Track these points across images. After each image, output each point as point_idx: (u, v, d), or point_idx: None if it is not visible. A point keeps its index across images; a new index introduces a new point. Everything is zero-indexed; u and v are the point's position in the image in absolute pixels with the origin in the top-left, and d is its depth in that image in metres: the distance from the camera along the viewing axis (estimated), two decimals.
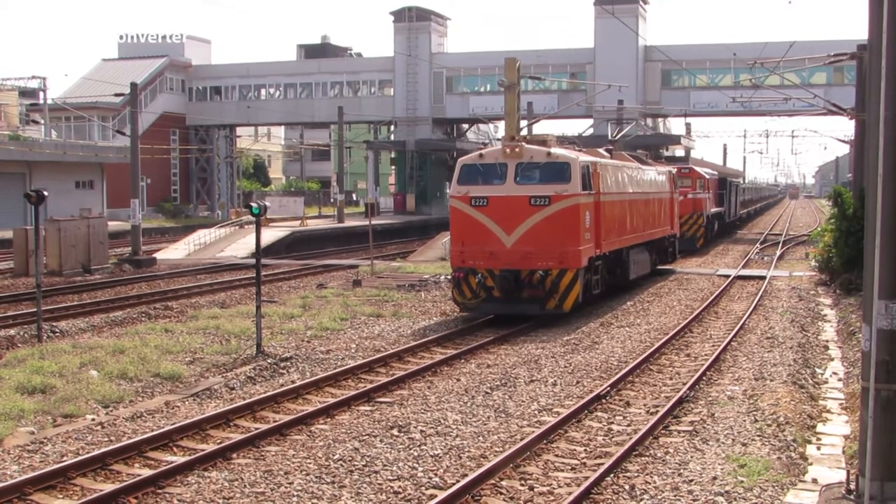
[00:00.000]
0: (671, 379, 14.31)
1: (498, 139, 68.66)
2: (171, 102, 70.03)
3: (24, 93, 65.21)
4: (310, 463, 10.00)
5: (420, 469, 9.78)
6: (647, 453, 10.32)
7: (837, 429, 11.45)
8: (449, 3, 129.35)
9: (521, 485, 9.39)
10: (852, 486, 8.27)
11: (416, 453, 10.31)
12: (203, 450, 10.44)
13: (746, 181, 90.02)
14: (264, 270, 25.78)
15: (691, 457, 10.11)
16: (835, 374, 14.75)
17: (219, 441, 10.94)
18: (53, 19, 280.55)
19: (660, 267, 29.47)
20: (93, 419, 11.98)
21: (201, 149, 72.01)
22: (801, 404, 12.32)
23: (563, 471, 9.88)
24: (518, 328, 18.76)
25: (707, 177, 42.60)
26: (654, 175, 28.16)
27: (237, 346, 16.77)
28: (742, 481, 9.15)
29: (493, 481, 9.37)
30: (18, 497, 8.95)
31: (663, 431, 11.22)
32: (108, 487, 9.19)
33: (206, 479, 9.52)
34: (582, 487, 8.98)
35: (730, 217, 52.04)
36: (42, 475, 9.37)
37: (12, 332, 18.54)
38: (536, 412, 12.18)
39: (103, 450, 10.23)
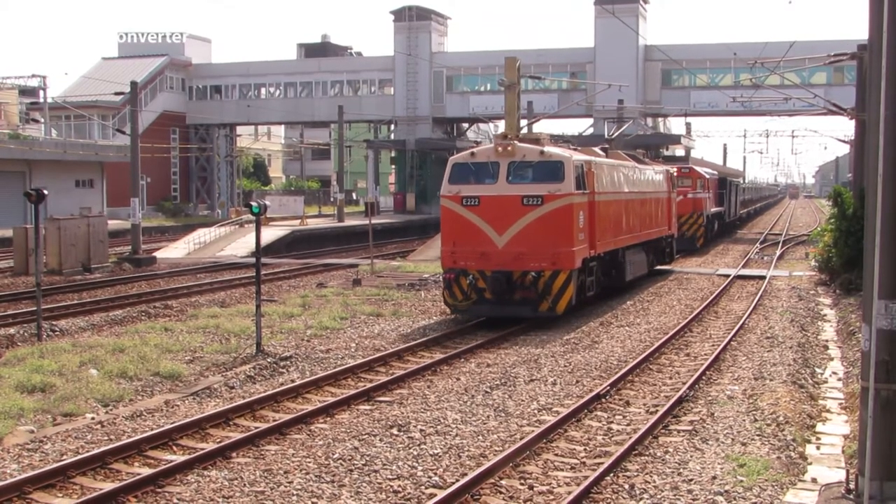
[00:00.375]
0: (671, 378, 14.31)
1: None
2: (172, 101, 70.03)
3: (24, 91, 65.18)
4: (309, 462, 10.00)
5: (420, 468, 9.79)
6: (647, 453, 10.32)
7: (837, 428, 11.45)
8: (449, 2, 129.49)
9: (521, 484, 9.39)
10: (852, 486, 8.27)
11: (415, 452, 10.32)
12: (203, 449, 10.44)
13: (746, 181, 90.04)
14: (264, 269, 25.77)
15: (691, 456, 10.11)
16: (834, 373, 14.75)
17: (218, 440, 10.94)
18: (53, 18, 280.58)
19: (657, 267, 29.33)
20: (92, 418, 11.98)
21: (201, 148, 72.01)
22: (800, 404, 12.32)
23: (562, 470, 9.88)
24: (517, 327, 18.76)
25: (707, 176, 42.61)
26: (651, 174, 27.81)
27: (237, 345, 16.78)
28: (741, 481, 9.15)
29: (492, 480, 9.37)
30: (18, 496, 8.95)
31: (663, 431, 11.23)
32: (108, 486, 9.19)
33: (206, 477, 9.53)
34: (581, 487, 8.98)
35: (730, 217, 52.06)
36: (42, 474, 9.37)
37: (12, 330, 18.54)
38: (536, 411, 12.18)
39: (103, 448, 10.24)
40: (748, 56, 36.19)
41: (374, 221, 33.95)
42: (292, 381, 14.06)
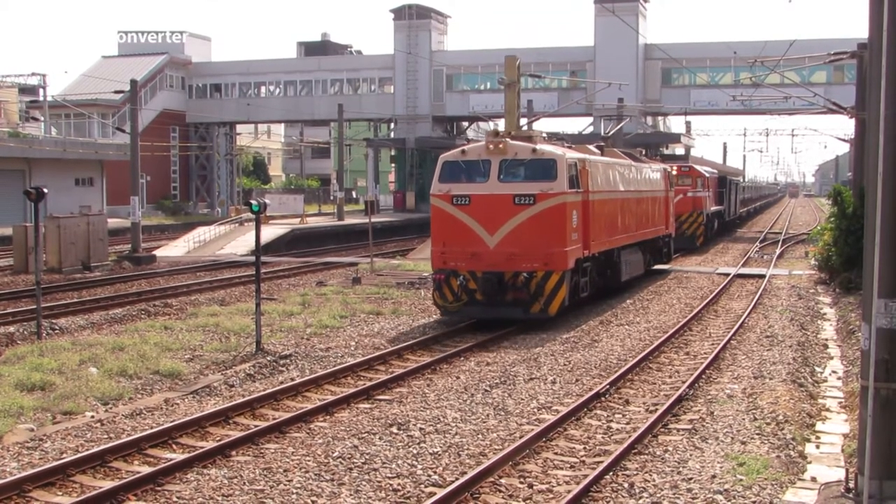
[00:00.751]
0: (670, 377, 14.32)
1: None
2: (171, 100, 70.00)
3: (24, 90, 65.17)
4: (309, 460, 10.00)
5: (419, 467, 9.79)
6: (647, 451, 10.32)
7: (836, 427, 11.45)
8: (449, 0, 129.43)
9: (521, 483, 9.39)
10: (851, 485, 8.27)
11: (415, 451, 10.32)
12: (202, 447, 10.44)
13: (746, 180, 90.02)
14: (264, 268, 25.77)
15: (690, 455, 10.11)
16: (834, 372, 14.75)
17: (218, 438, 10.94)
18: (53, 16, 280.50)
19: (654, 267, 29.07)
20: (92, 416, 11.98)
21: (201, 146, 72.01)
22: (800, 403, 12.33)
23: (562, 469, 9.88)
24: (517, 326, 18.73)
25: (707, 175, 42.62)
26: (648, 172, 27.42)
27: (237, 344, 16.77)
28: (741, 479, 9.15)
29: (492, 479, 9.37)
30: (18, 494, 8.95)
31: (662, 430, 11.23)
32: (108, 485, 9.19)
33: (206, 476, 9.53)
34: (581, 485, 8.98)
35: (729, 215, 52.07)
36: (41, 472, 9.37)
37: (12, 329, 18.53)
38: (536, 410, 12.18)
39: (102, 447, 10.24)
40: (748, 55, 36.20)
41: (373, 220, 33.95)
42: (292, 379, 14.06)
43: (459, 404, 12.44)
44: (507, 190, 18.66)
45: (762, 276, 27.99)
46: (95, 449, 10.19)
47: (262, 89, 70.71)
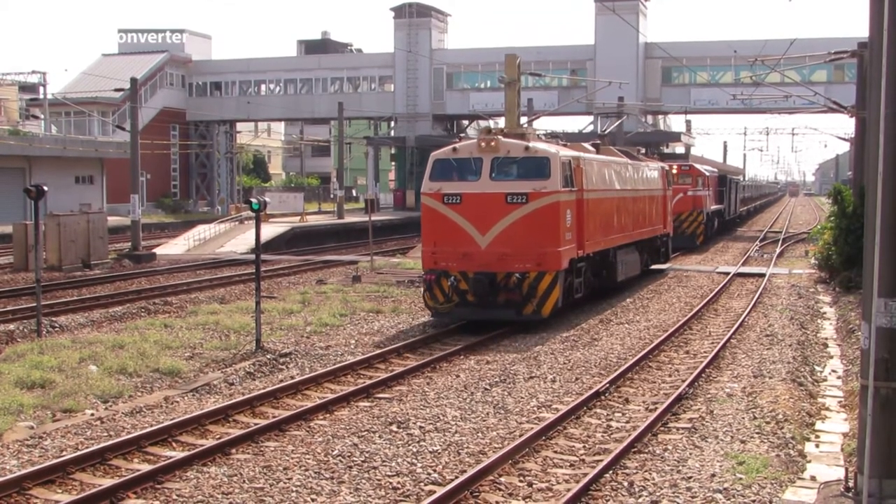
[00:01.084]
0: (670, 376, 14.32)
1: None
2: (171, 98, 70.02)
3: (24, 88, 65.20)
4: (309, 458, 10.01)
5: (419, 465, 9.79)
6: (646, 450, 10.32)
7: (836, 426, 11.45)
8: None
9: (520, 481, 9.40)
10: (851, 484, 8.27)
11: (415, 449, 10.32)
12: (202, 445, 10.44)
13: (746, 178, 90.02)
14: (264, 266, 25.76)
15: (690, 454, 10.11)
16: (834, 371, 14.75)
17: (218, 436, 10.94)
18: (53, 14, 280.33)
19: (652, 267, 28.83)
20: (92, 414, 11.98)
21: (201, 144, 72.02)
22: (799, 402, 12.33)
23: (561, 467, 9.88)
24: (515, 324, 18.71)
25: (707, 174, 42.63)
26: (645, 171, 27.01)
27: (236, 342, 16.78)
28: (741, 478, 9.16)
29: (491, 477, 9.37)
30: (17, 491, 8.95)
31: (662, 428, 11.23)
32: (108, 482, 9.19)
33: (206, 474, 9.53)
34: (580, 484, 8.98)
35: (730, 214, 52.07)
36: (41, 470, 9.38)
37: (12, 326, 18.53)
38: (535, 408, 12.18)
39: (102, 445, 10.24)
40: (748, 53, 36.24)
41: (373, 218, 33.94)
42: (292, 377, 14.07)
43: (459, 403, 12.45)
44: (500, 189, 18.28)
45: (762, 275, 27.99)
46: (95, 447, 10.19)
47: (263, 87, 70.74)
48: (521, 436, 10.69)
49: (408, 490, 9.04)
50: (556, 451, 10.40)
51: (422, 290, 19.56)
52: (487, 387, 13.38)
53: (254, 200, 16.65)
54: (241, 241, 39.19)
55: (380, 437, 10.81)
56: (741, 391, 12.91)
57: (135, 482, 9.11)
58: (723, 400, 12.46)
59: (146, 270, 30.39)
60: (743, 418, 11.42)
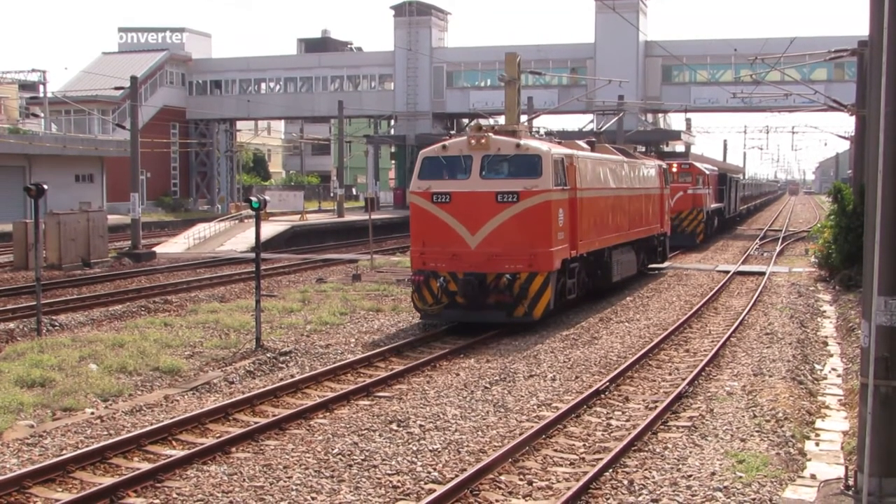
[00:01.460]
0: (670, 374, 14.32)
1: None
2: (171, 96, 70.01)
3: (24, 86, 65.20)
4: (309, 457, 10.01)
5: (419, 463, 9.79)
6: (646, 448, 10.33)
7: (836, 425, 11.45)
8: None
9: (520, 479, 9.40)
10: (850, 482, 8.28)
11: (415, 448, 10.32)
12: (202, 444, 10.45)
13: (746, 177, 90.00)
14: (264, 265, 25.77)
15: (690, 452, 10.11)
16: (834, 370, 14.76)
17: (218, 435, 10.94)
18: (54, 13, 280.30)
19: (650, 266, 28.55)
20: (92, 413, 11.99)
21: (201, 143, 72.02)
22: (799, 400, 12.33)
23: (561, 466, 9.88)
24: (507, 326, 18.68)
25: (707, 172, 42.62)
26: (642, 169, 26.55)
27: (236, 341, 16.77)
28: (741, 477, 9.16)
29: (491, 476, 9.37)
30: (18, 490, 8.95)
31: (662, 427, 11.23)
32: (108, 481, 9.19)
33: (206, 472, 9.53)
34: (580, 482, 8.99)
35: (730, 213, 52.07)
36: (41, 468, 9.38)
37: (12, 325, 18.53)
38: (535, 407, 12.19)
39: (102, 443, 10.24)
40: (748, 52, 36.23)
41: (373, 217, 33.94)
42: (292, 376, 14.07)
43: (459, 401, 12.45)
44: (490, 187, 17.80)
45: (762, 274, 27.98)
46: (95, 445, 10.19)
47: (263, 86, 70.73)
48: (521, 434, 10.69)
49: (408, 489, 9.05)
50: (556, 450, 10.40)
51: (410, 291, 19.22)
52: (487, 385, 13.38)
53: (254, 199, 16.65)
54: (240, 240, 39.19)
55: (380, 435, 10.81)
56: (741, 389, 12.91)
57: (135, 481, 9.11)
58: (723, 398, 12.46)
59: (146, 269, 30.39)
60: (743, 417, 11.42)
